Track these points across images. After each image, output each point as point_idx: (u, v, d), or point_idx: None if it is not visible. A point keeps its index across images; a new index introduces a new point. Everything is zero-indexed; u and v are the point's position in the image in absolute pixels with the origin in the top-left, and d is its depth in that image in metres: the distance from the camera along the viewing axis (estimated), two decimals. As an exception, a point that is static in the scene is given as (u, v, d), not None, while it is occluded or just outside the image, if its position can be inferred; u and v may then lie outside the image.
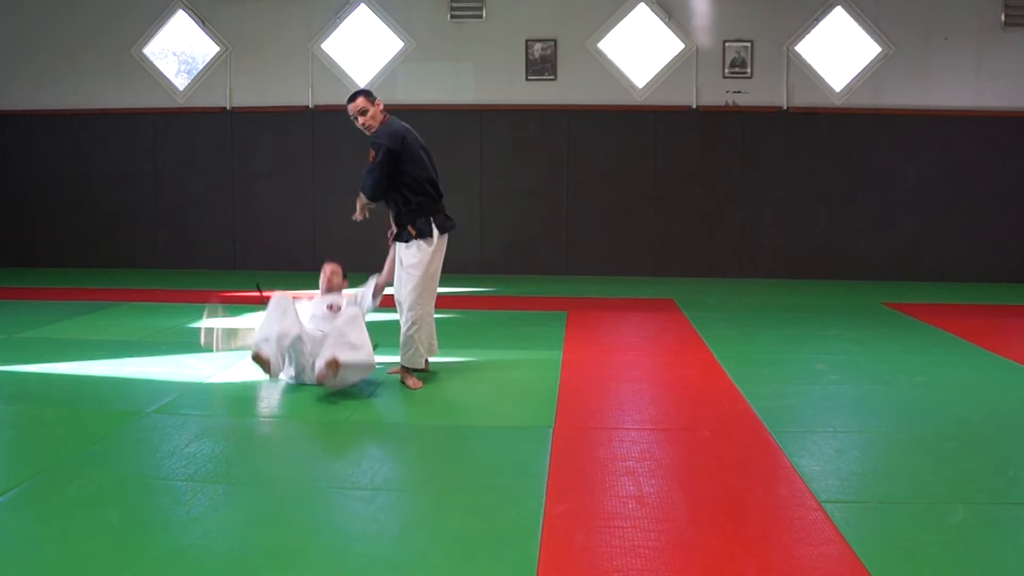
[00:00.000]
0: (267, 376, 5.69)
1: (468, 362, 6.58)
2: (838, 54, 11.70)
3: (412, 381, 5.76)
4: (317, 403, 5.46)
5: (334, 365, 5.28)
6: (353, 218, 6.08)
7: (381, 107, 5.91)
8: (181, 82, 12.30)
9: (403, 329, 5.82)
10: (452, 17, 11.78)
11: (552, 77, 11.80)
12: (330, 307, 6.02)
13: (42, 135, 12.37)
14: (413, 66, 11.95)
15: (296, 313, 5.74)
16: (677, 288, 10.50)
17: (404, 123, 5.94)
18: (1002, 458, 4.55)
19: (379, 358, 5.87)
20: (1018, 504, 3.88)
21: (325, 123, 12.09)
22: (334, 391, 5.55)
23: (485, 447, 4.70)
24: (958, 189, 11.54)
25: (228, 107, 12.17)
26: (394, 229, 5.96)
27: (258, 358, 5.48)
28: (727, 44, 11.67)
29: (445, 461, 4.44)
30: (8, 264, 12.30)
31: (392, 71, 12.01)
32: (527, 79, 11.84)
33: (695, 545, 3.42)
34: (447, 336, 7.56)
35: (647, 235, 11.70)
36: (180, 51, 12.47)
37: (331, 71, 12.04)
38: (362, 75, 12.07)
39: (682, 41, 11.72)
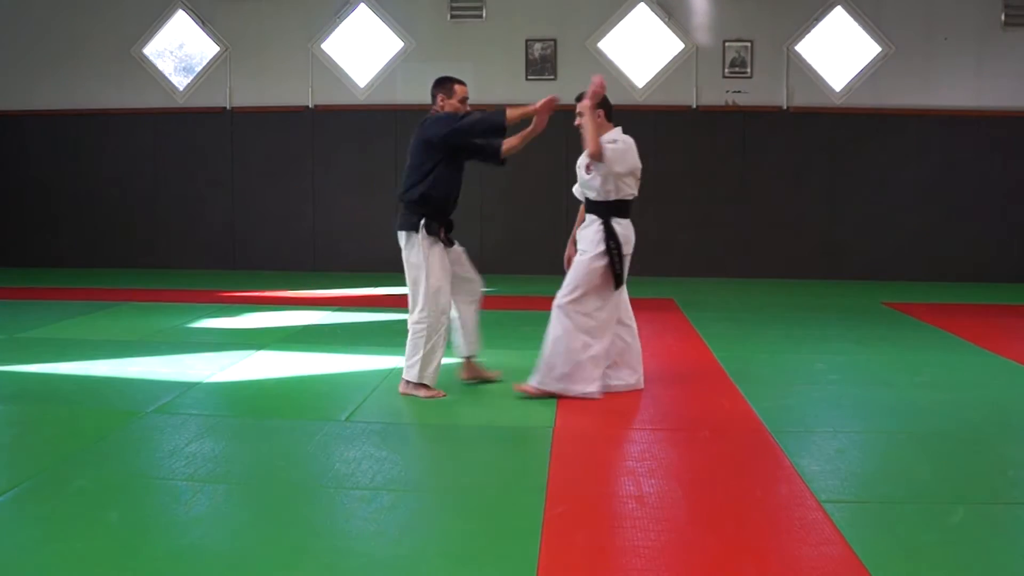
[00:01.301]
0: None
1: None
2: (838, 54, 11.70)
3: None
4: (317, 403, 5.47)
5: None
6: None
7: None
8: (180, 81, 12.30)
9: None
10: (452, 17, 11.78)
11: (552, 77, 11.79)
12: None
13: (42, 135, 12.37)
14: (413, 66, 11.94)
15: None
16: (677, 288, 10.50)
17: None
18: (1002, 458, 4.55)
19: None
20: (1018, 504, 3.88)
21: (325, 123, 12.09)
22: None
23: (485, 447, 4.69)
24: (958, 189, 11.54)
25: (228, 107, 12.17)
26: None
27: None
28: (727, 44, 11.67)
29: (445, 461, 4.43)
30: (8, 264, 12.30)
31: (392, 71, 12.01)
32: (527, 79, 11.84)
33: (695, 545, 3.42)
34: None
35: (647, 235, 11.63)
36: (179, 49, 12.47)
37: (331, 71, 12.04)
38: (362, 75, 12.07)
39: (682, 41, 11.72)
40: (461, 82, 5.64)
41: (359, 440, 4.60)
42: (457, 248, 5.59)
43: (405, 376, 5.43)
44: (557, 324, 5.35)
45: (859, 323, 8.44)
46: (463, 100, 5.57)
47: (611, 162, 5.34)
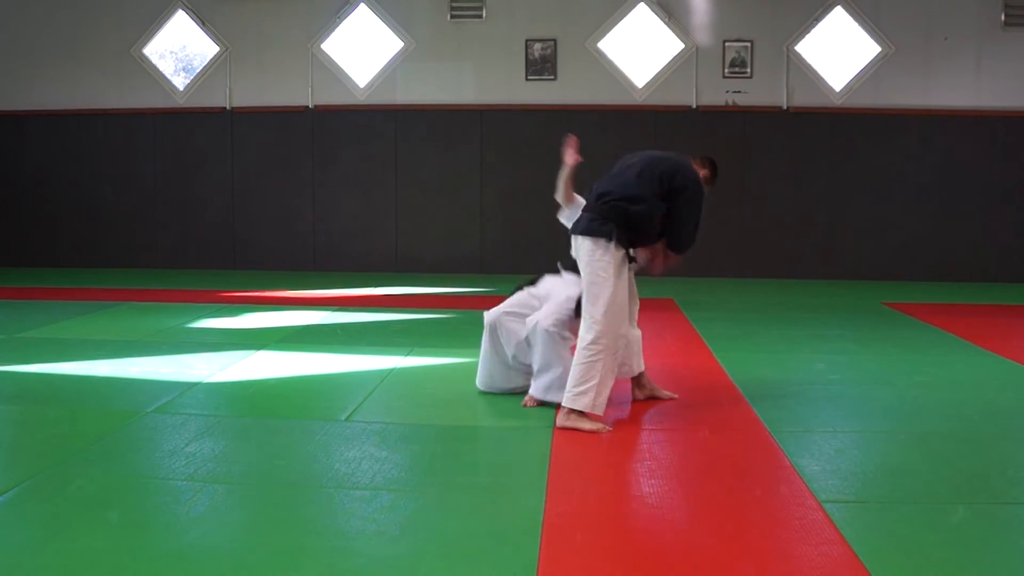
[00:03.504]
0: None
1: (468, 362, 6.57)
2: (838, 54, 11.70)
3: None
4: (317, 403, 5.47)
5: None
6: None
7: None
8: (180, 82, 12.30)
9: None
10: (452, 17, 11.79)
11: (552, 77, 11.80)
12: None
13: (42, 135, 12.37)
14: (413, 66, 11.95)
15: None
16: (677, 288, 10.50)
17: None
18: (1002, 458, 4.55)
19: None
20: (1018, 504, 3.88)
21: (325, 123, 12.09)
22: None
23: (485, 447, 4.69)
24: (958, 189, 11.54)
25: (228, 107, 12.17)
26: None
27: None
28: (727, 44, 11.68)
29: (445, 461, 4.43)
30: (9, 264, 12.31)
31: (392, 71, 12.01)
32: (527, 79, 11.84)
33: (695, 545, 3.42)
34: (448, 336, 7.57)
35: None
36: (179, 48, 12.48)
37: (331, 71, 12.04)
38: (362, 75, 12.07)
39: (682, 41, 11.72)
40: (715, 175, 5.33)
41: (359, 440, 4.60)
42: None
43: (569, 404, 4.76)
44: None
45: (859, 323, 8.44)
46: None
47: None
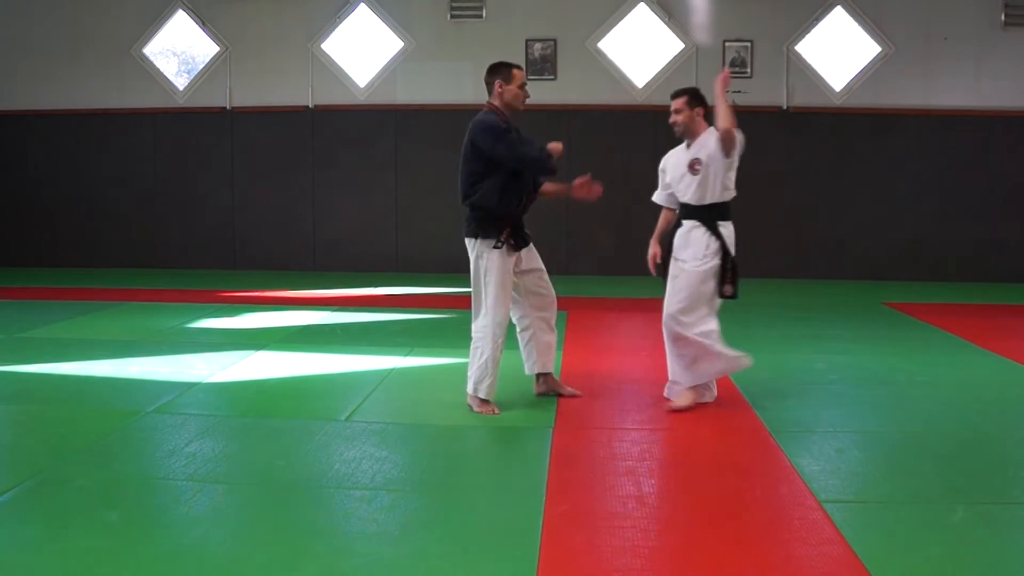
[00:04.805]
0: None
1: (468, 362, 6.56)
2: (838, 54, 11.70)
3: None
4: (317, 403, 5.47)
5: None
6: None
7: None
8: (181, 82, 12.30)
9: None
10: (452, 17, 11.79)
11: (552, 77, 11.80)
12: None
13: (42, 135, 12.37)
14: (413, 66, 11.95)
15: None
16: (677, 288, 10.49)
17: None
18: (1002, 457, 4.55)
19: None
20: (1018, 503, 3.88)
21: (325, 123, 12.09)
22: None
23: (485, 447, 4.69)
24: (958, 189, 11.54)
25: (228, 107, 12.17)
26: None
27: None
28: (727, 44, 11.67)
29: (445, 461, 4.43)
30: (9, 264, 12.30)
31: (392, 71, 12.01)
32: (527, 79, 11.82)
33: (695, 545, 3.42)
34: (448, 336, 7.57)
35: (647, 235, 11.66)
36: (180, 51, 12.47)
37: (331, 71, 12.04)
38: (362, 75, 12.07)
39: (682, 41, 11.72)
40: (519, 66, 5.43)
41: (359, 440, 4.60)
42: (532, 260, 5.54)
43: (466, 387, 5.20)
44: (671, 336, 5.35)
45: (859, 323, 8.44)
46: (522, 86, 5.36)
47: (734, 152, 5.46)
